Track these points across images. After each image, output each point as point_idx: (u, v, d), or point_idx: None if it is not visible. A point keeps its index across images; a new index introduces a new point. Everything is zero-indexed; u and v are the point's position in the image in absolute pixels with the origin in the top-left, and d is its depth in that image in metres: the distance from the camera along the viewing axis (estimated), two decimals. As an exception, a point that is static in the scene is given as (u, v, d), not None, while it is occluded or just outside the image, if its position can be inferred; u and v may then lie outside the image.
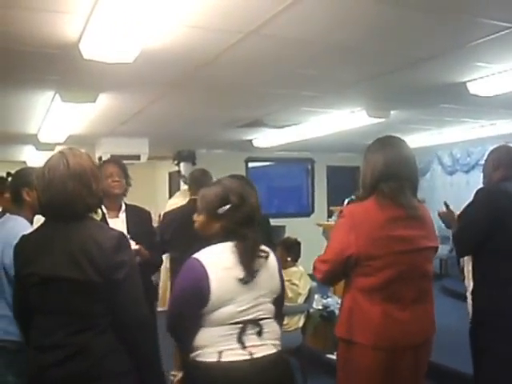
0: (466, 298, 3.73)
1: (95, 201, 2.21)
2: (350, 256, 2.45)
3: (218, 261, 2.21)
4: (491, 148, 3.53)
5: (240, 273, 2.19)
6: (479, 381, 3.27)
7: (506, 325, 3.12)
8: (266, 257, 2.30)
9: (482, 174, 3.57)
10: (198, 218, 2.40)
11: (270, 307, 2.30)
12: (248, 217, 2.28)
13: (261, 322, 2.24)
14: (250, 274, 2.20)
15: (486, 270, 3.27)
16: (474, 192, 3.32)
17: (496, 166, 3.34)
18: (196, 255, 2.24)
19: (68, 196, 2.09)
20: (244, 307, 2.20)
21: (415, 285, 2.52)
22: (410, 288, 2.50)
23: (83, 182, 2.13)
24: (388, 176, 2.51)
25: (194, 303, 2.18)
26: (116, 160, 3.77)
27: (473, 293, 3.38)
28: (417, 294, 2.53)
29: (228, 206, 2.29)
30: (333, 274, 2.59)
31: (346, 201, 6.90)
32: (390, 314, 2.46)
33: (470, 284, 3.50)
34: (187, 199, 4.45)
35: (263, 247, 2.31)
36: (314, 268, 2.64)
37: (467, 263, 3.65)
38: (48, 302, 2.10)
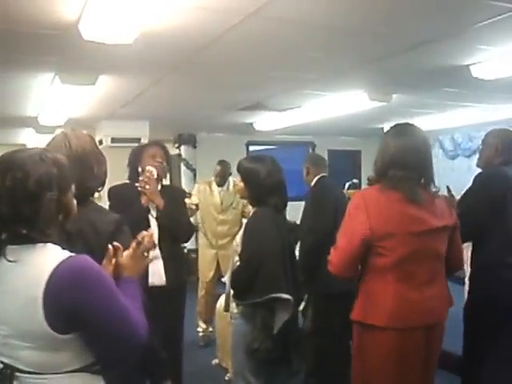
0: (464, 283, 3.74)
1: (96, 184, 2.19)
2: (363, 239, 2.47)
3: None
4: (492, 130, 3.50)
5: None
6: (467, 363, 3.32)
7: (499, 311, 3.14)
8: None
9: (477, 155, 3.55)
10: None
11: None
12: None
13: None
14: None
15: (484, 255, 3.28)
16: (473, 177, 3.33)
17: (500, 151, 3.33)
18: None
19: None
20: None
21: (428, 265, 2.55)
22: (423, 268, 2.54)
23: (84, 164, 2.11)
24: (394, 164, 2.56)
25: None
26: (160, 143, 4.04)
27: (470, 278, 3.39)
28: (430, 275, 2.56)
29: None
30: (346, 267, 2.57)
31: (347, 185, 6.89)
32: (402, 294, 2.49)
33: (468, 270, 3.51)
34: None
35: None
36: (329, 261, 2.62)
37: (466, 249, 3.66)
38: None
